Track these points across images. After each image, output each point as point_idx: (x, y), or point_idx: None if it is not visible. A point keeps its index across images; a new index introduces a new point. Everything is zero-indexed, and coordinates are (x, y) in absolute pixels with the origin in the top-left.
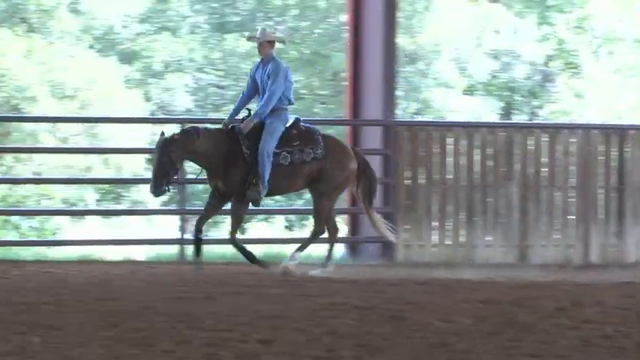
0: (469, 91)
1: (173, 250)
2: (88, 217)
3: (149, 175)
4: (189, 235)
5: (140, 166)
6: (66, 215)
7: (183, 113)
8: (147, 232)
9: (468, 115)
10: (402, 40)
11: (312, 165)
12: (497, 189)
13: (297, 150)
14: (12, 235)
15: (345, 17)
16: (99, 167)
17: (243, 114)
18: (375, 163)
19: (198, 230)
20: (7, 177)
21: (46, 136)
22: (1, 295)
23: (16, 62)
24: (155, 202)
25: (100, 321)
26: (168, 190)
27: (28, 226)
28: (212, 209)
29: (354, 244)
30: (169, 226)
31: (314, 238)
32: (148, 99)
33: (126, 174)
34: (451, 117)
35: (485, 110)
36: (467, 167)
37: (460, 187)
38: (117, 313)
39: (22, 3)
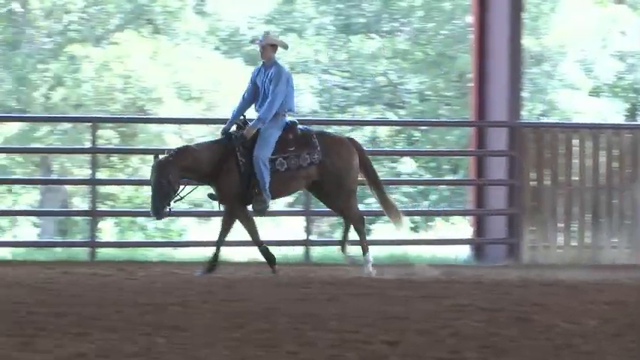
0: (595, 92)
1: (298, 251)
2: (214, 219)
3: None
4: (314, 237)
5: None
6: (192, 217)
7: (308, 114)
8: (272, 234)
9: (593, 117)
10: (527, 42)
11: (309, 170)
12: (623, 190)
13: (292, 155)
14: (138, 237)
15: (470, 18)
16: None
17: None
18: (501, 164)
19: (219, 247)
20: (133, 178)
21: (172, 137)
22: (127, 296)
23: (142, 64)
24: (280, 204)
25: (225, 322)
26: (170, 212)
27: (153, 228)
28: (230, 221)
29: (479, 246)
30: (295, 227)
31: (362, 234)
32: None
33: None
34: (577, 118)
35: (611, 112)
36: (592, 169)
37: (585, 188)
38: (242, 315)
39: (148, 5)
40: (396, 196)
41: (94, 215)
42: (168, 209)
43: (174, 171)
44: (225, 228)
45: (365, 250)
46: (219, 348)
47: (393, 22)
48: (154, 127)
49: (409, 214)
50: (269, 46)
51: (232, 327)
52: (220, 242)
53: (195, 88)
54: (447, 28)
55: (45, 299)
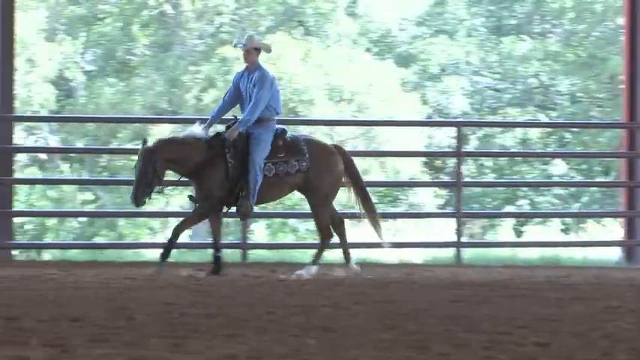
0: None
1: (449, 253)
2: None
3: (426, 178)
4: (465, 239)
5: (417, 169)
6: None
7: (459, 116)
8: (423, 235)
9: None
10: None
11: (295, 177)
12: None
13: (282, 162)
14: (290, 238)
15: (621, 20)
16: (376, 170)
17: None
18: None
19: (217, 248)
20: None
21: (323, 139)
22: (277, 297)
23: (294, 65)
24: (432, 205)
25: (376, 323)
26: (150, 199)
27: (305, 229)
28: (217, 221)
29: (630, 248)
30: (446, 229)
31: (323, 247)
32: (424, 102)
33: (403, 177)
34: None
35: None
36: None
37: None
38: (393, 316)
39: (299, 6)
40: (547, 198)
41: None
42: (147, 198)
43: (160, 160)
44: (191, 221)
45: (314, 263)
46: (369, 349)
47: (545, 23)
48: (304, 129)
49: (561, 216)
50: (253, 50)
51: (383, 328)
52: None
53: (347, 90)
54: (598, 30)
55: (197, 300)
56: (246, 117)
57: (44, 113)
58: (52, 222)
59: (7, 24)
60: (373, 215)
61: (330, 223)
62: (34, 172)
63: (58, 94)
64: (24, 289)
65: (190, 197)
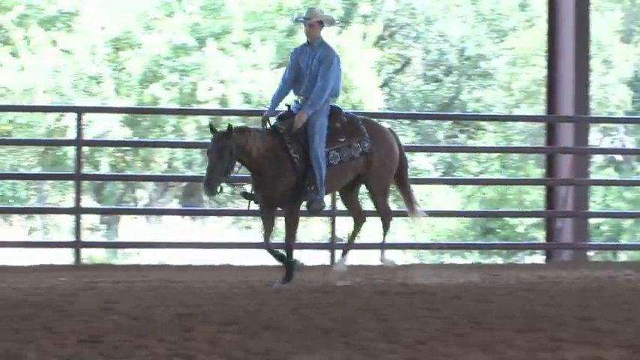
0: None
1: None
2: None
3: None
4: None
5: None
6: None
7: None
8: None
9: None
10: None
11: (359, 161)
12: None
13: (345, 147)
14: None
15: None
16: None
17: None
18: None
19: (270, 248)
20: None
21: None
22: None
23: None
24: None
25: None
26: (222, 190)
27: None
28: (270, 221)
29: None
30: None
31: (388, 230)
32: None
33: None
34: None
35: None
36: None
37: None
38: None
39: None
40: None
41: None
42: (221, 187)
43: (234, 146)
44: (294, 229)
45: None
46: None
47: None
48: None
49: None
50: (317, 24)
51: None
52: (292, 245)
53: None
54: None
55: None
56: (315, 100)
57: (620, 115)
58: (628, 223)
59: (582, 25)
60: (414, 206)
61: (355, 208)
62: (609, 174)
63: (634, 96)
64: (599, 290)
65: (245, 194)
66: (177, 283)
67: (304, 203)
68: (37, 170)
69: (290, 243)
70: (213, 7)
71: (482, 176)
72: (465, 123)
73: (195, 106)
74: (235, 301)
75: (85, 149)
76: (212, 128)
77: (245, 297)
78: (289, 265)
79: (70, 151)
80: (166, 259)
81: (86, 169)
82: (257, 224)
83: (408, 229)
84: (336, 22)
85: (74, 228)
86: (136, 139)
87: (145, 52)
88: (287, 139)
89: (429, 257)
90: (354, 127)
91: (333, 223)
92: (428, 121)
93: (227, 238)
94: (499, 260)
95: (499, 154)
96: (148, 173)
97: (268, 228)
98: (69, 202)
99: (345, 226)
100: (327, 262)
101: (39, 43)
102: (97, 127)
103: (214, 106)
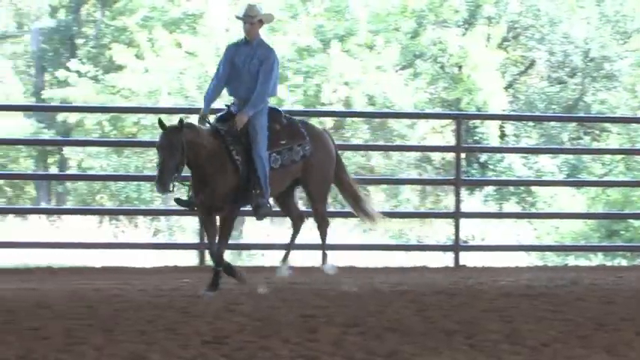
0: None
1: None
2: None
3: None
4: None
5: None
6: None
7: None
8: None
9: None
10: None
11: (299, 164)
12: None
13: (286, 150)
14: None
15: None
16: None
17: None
18: None
19: (220, 257)
20: None
21: None
22: None
23: None
24: None
25: None
26: (174, 188)
27: None
28: (212, 226)
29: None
30: None
31: (325, 236)
32: None
33: None
34: None
35: None
36: None
37: None
38: None
39: None
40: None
41: None
42: (174, 184)
43: (185, 142)
44: (228, 233)
45: (325, 256)
46: None
47: None
48: None
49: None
50: (257, 22)
51: None
52: (222, 251)
53: None
54: None
55: None
56: (256, 100)
57: None
58: None
59: None
60: (366, 208)
61: (294, 209)
62: None
63: None
64: None
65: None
66: (301, 285)
67: (249, 207)
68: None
69: (221, 248)
70: (337, 9)
71: (606, 178)
72: (589, 125)
73: (319, 108)
74: (359, 303)
75: None
76: (162, 124)
77: (368, 299)
78: (217, 271)
79: None
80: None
81: None
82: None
83: (532, 231)
84: (273, 18)
85: (198, 230)
86: None
87: None
88: (229, 139)
89: (553, 259)
90: (295, 129)
91: (457, 225)
92: (552, 123)
93: (351, 240)
94: (623, 262)
95: (623, 155)
96: None
97: (212, 233)
98: None
99: (470, 226)
100: (451, 263)
101: (163, 45)
102: None
103: (338, 107)
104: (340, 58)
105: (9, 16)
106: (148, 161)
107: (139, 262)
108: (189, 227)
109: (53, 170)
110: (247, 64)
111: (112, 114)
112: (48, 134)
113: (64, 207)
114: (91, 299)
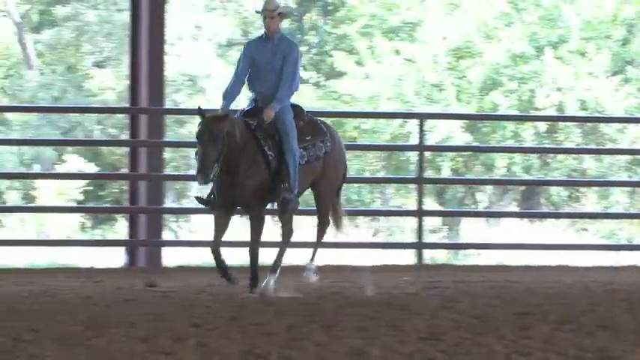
0: None
1: None
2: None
3: None
4: None
5: None
6: None
7: None
8: None
9: None
10: None
11: (320, 161)
12: None
13: (310, 146)
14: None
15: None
16: None
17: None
18: None
19: (218, 251)
20: None
21: None
22: None
23: None
24: None
25: None
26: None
27: None
28: (225, 223)
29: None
30: None
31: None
32: None
33: None
34: None
35: None
36: None
37: None
38: None
39: None
40: None
41: None
42: (214, 175)
43: (226, 133)
44: (260, 233)
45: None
46: None
47: None
48: None
49: None
50: (277, 16)
51: None
52: (257, 250)
53: None
54: None
55: None
56: (283, 95)
57: None
58: None
59: None
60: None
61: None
62: None
63: None
64: None
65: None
66: (516, 284)
67: (276, 204)
68: (381, 174)
69: (255, 248)
70: (550, 17)
71: None
72: None
73: (533, 113)
74: (571, 301)
75: (427, 154)
76: (201, 112)
77: (581, 297)
78: (254, 270)
79: (413, 156)
80: (505, 260)
81: (428, 173)
82: (593, 227)
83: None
84: (293, 12)
85: (416, 230)
86: (476, 144)
87: (485, 61)
88: (260, 134)
89: None
90: (316, 126)
91: None
92: None
93: (564, 240)
94: None
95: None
96: (486, 177)
97: (221, 229)
98: (411, 204)
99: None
100: None
101: (383, 52)
102: (438, 132)
103: (551, 112)
104: (553, 65)
105: (235, 25)
106: (368, 164)
107: (360, 262)
108: (407, 227)
109: None
110: (271, 60)
111: (333, 118)
112: None
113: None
114: (312, 296)
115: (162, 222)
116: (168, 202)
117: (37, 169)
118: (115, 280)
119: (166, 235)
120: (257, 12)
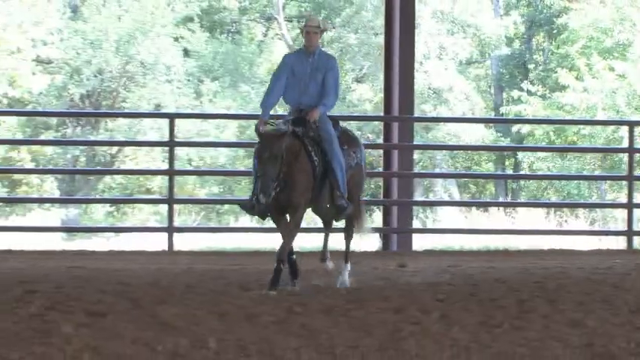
0: None
1: None
2: None
3: None
4: None
5: None
6: None
7: None
8: None
9: None
10: None
11: (354, 170)
12: None
13: (346, 154)
14: None
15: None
16: None
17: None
18: None
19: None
20: None
21: None
22: None
23: None
24: None
25: None
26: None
27: None
28: (286, 226)
29: None
30: None
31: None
32: None
33: None
34: None
35: None
36: None
37: None
38: None
39: None
40: None
41: None
42: (275, 191)
43: (284, 149)
44: (295, 233)
45: (347, 261)
46: None
47: None
48: None
49: None
50: (319, 32)
51: None
52: (287, 250)
53: None
54: None
55: None
56: (329, 102)
57: None
58: None
59: None
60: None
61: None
62: None
63: None
64: None
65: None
66: None
67: (333, 212)
68: (597, 172)
69: (287, 247)
70: None
71: None
72: None
73: None
74: None
75: (637, 156)
76: (259, 132)
77: None
78: (278, 270)
79: (624, 157)
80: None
81: (638, 172)
82: None
83: None
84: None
85: (627, 219)
86: None
87: None
88: (307, 141)
89: None
90: (350, 136)
91: None
92: None
93: None
94: None
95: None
96: None
97: (293, 235)
98: (623, 198)
99: None
100: None
101: (599, 69)
102: None
103: None
104: None
105: (473, 45)
106: (586, 164)
107: (579, 246)
108: (619, 218)
109: (508, 171)
110: (310, 74)
111: (556, 125)
112: (504, 142)
113: (518, 201)
114: (539, 275)
115: (412, 212)
116: (417, 196)
117: None
118: (371, 261)
119: (415, 224)
120: (300, 28)
